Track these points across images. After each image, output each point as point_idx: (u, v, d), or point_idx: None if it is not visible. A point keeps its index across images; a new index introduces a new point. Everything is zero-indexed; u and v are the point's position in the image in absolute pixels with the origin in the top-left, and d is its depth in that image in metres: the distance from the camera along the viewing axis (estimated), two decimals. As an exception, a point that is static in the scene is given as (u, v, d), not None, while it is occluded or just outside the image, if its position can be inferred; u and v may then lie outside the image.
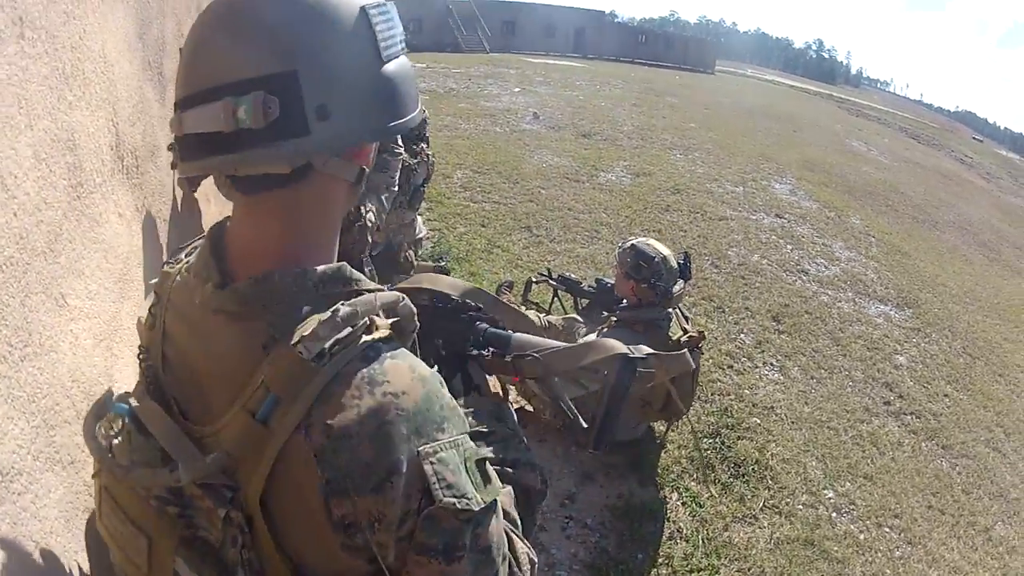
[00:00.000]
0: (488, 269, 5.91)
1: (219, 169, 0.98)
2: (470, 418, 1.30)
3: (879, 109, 31.27)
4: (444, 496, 0.96)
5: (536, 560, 1.23)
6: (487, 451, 1.11)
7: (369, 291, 1.06)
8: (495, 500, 1.06)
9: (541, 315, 4.48)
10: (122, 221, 1.69)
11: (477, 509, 0.99)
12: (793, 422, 5.07)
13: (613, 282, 4.32)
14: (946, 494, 4.99)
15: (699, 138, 12.85)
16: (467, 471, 1.00)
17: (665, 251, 3.96)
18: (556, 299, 5.27)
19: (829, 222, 9.58)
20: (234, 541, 1.02)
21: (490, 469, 1.07)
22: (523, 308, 4.80)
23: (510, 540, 1.17)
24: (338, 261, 1.10)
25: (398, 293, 1.07)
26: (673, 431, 4.54)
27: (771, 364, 5.75)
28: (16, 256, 1.11)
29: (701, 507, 4.07)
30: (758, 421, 4.93)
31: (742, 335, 6.02)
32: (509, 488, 1.28)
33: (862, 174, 13.57)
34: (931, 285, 8.67)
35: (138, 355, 1.16)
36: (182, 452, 1.02)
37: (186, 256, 1.16)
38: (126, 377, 1.57)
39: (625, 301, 4.09)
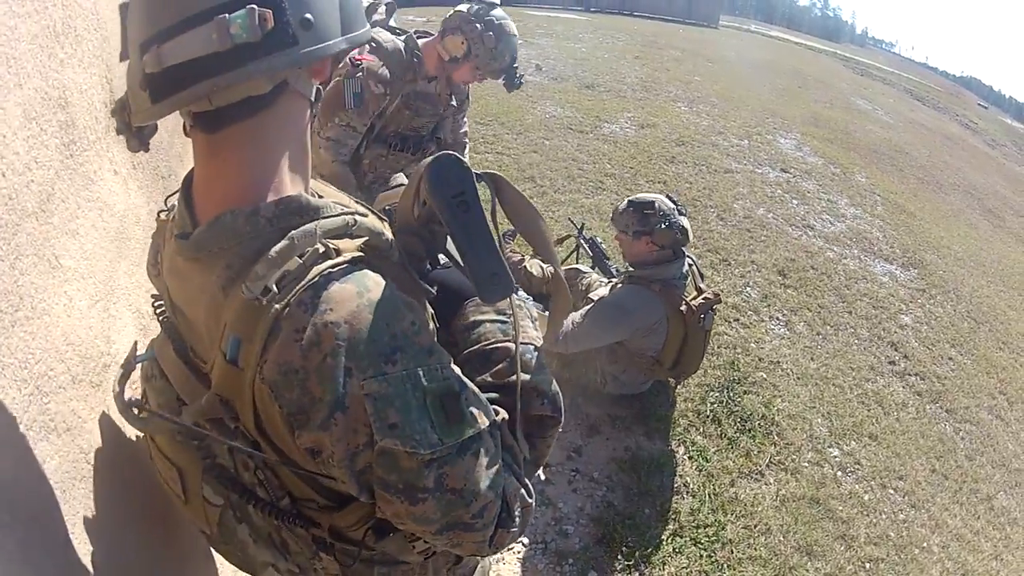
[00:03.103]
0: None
1: (198, 98, 0.95)
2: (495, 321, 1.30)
3: (884, 69, 30.94)
4: (384, 437, 0.95)
5: (532, 502, 1.19)
6: (459, 382, 1.06)
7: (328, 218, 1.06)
8: (474, 437, 1.04)
9: (543, 264, 4.34)
10: (118, 179, 1.67)
11: (426, 452, 0.97)
12: (799, 378, 5.00)
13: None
14: (949, 459, 4.96)
15: (703, 91, 12.65)
16: (426, 408, 0.98)
17: (662, 197, 3.79)
18: (576, 256, 5.14)
19: (834, 178, 9.47)
20: (246, 466, 1.16)
21: (467, 403, 1.04)
22: (527, 256, 4.67)
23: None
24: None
25: (349, 216, 1.07)
26: (679, 384, 4.47)
27: (777, 319, 5.67)
28: (5, 218, 1.10)
29: (708, 461, 4.02)
30: (764, 376, 4.85)
31: (748, 288, 5.93)
32: (504, 415, 1.19)
33: (867, 132, 13.44)
34: (936, 247, 8.59)
35: (153, 304, 1.26)
36: (188, 394, 1.14)
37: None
38: (124, 337, 1.57)
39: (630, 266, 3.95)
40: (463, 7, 3.22)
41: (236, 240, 1.01)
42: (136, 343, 1.31)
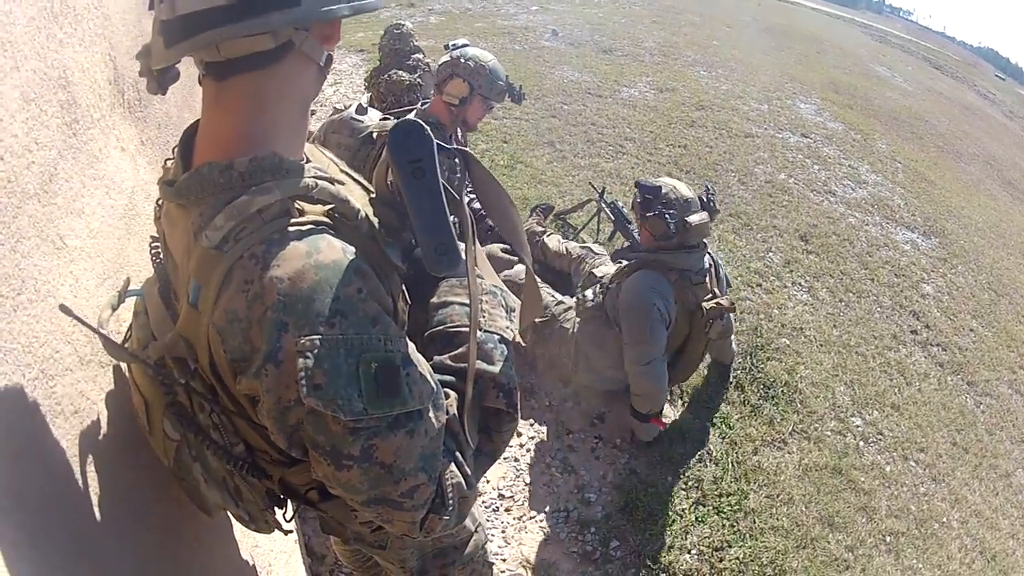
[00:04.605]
0: (511, 185, 5.68)
1: (204, 46, 0.98)
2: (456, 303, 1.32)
3: (902, 37, 30.43)
4: (308, 396, 0.96)
5: (469, 494, 1.19)
6: (404, 358, 1.05)
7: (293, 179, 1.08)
8: (410, 415, 1.05)
9: (561, 240, 4.21)
10: (125, 155, 1.66)
11: (347, 419, 0.98)
12: (822, 345, 4.92)
13: None
14: (970, 432, 4.90)
15: (722, 55, 12.43)
16: (358, 375, 0.98)
17: (678, 185, 3.52)
18: (597, 221, 5.04)
19: (855, 144, 9.30)
20: (201, 407, 1.19)
21: (408, 380, 1.04)
22: (549, 229, 4.56)
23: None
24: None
25: (312, 181, 1.07)
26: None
27: (799, 284, 5.57)
28: (4, 201, 1.08)
29: (731, 429, 3.96)
30: (787, 342, 4.77)
31: (770, 253, 5.82)
32: (454, 399, 1.21)
33: (887, 99, 13.21)
34: (957, 216, 8.44)
35: (150, 244, 1.32)
36: (160, 332, 1.18)
37: None
38: (135, 314, 1.58)
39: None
40: (444, 58, 3.51)
41: (211, 191, 1.04)
42: (129, 279, 1.35)
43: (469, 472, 1.19)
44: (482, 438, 1.29)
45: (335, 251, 1.01)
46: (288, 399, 0.99)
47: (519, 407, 1.30)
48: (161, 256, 1.27)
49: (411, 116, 1.27)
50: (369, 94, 5.15)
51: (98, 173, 1.47)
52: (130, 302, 1.35)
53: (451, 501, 1.14)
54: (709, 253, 3.67)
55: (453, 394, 1.21)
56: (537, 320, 3.84)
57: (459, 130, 3.74)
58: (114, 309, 1.25)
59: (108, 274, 1.42)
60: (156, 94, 1.09)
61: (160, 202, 1.23)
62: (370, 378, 0.99)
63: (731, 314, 3.68)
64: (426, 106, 3.63)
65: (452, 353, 1.26)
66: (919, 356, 5.37)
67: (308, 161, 1.18)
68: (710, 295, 3.51)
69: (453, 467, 1.15)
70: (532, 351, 3.93)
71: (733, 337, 4.20)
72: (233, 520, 1.53)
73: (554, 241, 4.05)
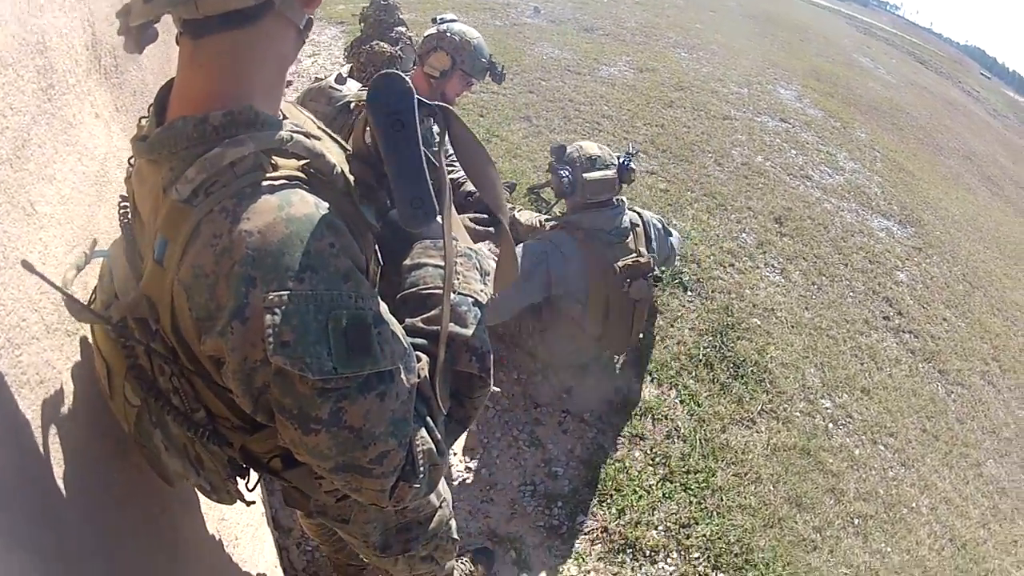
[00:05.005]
0: None
1: (181, 1, 0.98)
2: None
3: (887, 30, 30.72)
4: (275, 354, 0.95)
5: (440, 461, 1.18)
6: (376, 316, 1.05)
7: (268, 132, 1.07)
8: (381, 376, 1.04)
9: (534, 214, 4.22)
10: (99, 122, 1.66)
11: (316, 378, 0.97)
12: (793, 326, 5.01)
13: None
14: (940, 420, 5.03)
15: (704, 38, 12.50)
16: (327, 333, 0.97)
17: (585, 145, 3.58)
18: None
19: (834, 132, 9.44)
20: (162, 370, 1.18)
21: (380, 339, 1.03)
22: (519, 204, 4.57)
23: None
24: None
25: (288, 134, 1.07)
26: (672, 327, 4.46)
27: (772, 266, 5.66)
28: None
29: (699, 406, 4.03)
30: (758, 322, 4.84)
31: (744, 234, 5.90)
32: (425, 362, 1.20)
33: (868, 89, 13.39)
34: (934, 207, 8.61)
35: (119, 204, 1.27)
36: (124, 292, 1.17)
37: None
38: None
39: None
40: (430, 30, 3.55)
41: (184, 144, 1.03)
42: (96, 240, 1.36)
43: (440, 438, 1.18)
44: (453, 404, 1.28)
45: (307, 205, 1.01)
46: (255, 359, 0.98)
47: (492, 372, 1.30)
48: (129, 216, 1.25)
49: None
50: (349, 65, 5.12)
51: (71, 139, 1.47)
52: (97, 264, 1.35)
53: (422, 468, 1.13)
54: (638, 212, 3.70)
55: (425, 357, 1.20)
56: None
57: None
58: (79, 270, 1.25)
59: (78, 241, 1.42)
60: (133, 53, 1.08)
61: (131, 161, 1.22)
62: (340, 336, 0.98)
63: (656, 280, 3.64)
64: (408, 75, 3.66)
65: (425, 315, 1.25)
66: (891, 342, 5.48)
67: (285, 119, 1.17)
68: (633, 255, 3.50)
69: (424, 433, 1.14)
70: (496, 328, 3.94)
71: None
72: (198, 492, 1.52)
73: (526, 215, 4.05)
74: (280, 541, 2.89)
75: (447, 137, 1.27)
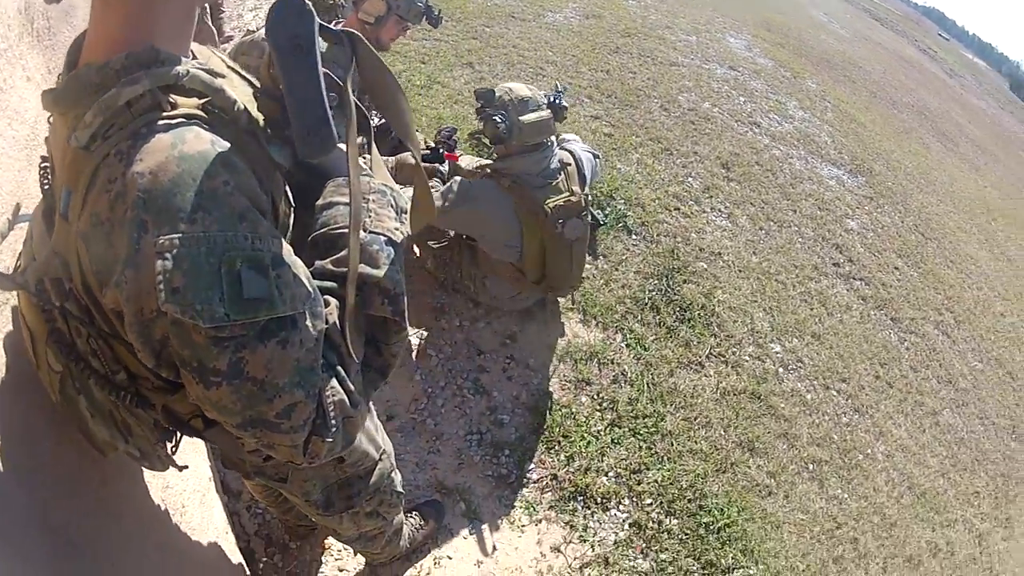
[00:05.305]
0: (428, 105, 5.72)
1: None
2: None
3: (843, -13, 31.44)
4: (165, 302, 0.94)
5: (354, 413, 1.18)
6: (275, 257, 1.04)
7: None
8: (281, 322, 1.03)
9: (475, 159, 4.24)
10: (31, 85, 1.65)
11: (208, 326, 0.96)
12: (740, 271, 5.18)
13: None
14: (894, 367, 5.26)
15: (653, -14, 12.63)
16: (220, 276, 0.97)
17: (514, 87, 3.56)
18: None
19: (784, 81, 9.71)
20: (78, 332, 1.17)
21: (279, 282, 1.03)
22: (460, 150, 4.59)
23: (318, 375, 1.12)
24: None
25: (184, 69, 1.06)
26: (616, 270, 4.56)
27: (719, 210, 5.82)
28: None
29: (646, 350, 4.14)
30: (704, 266, 4.99)
31: (690, 179, 6.04)
32: (334, 307, 1.18)
33: (820, 42, 13.74)
34: (886, 159, 8.94)
35: (40, 165, 1.23)
36: (40, 253, 1.16)
37: None
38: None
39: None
40: None
41: (88, 92, 1.02)
42: (19, 204, 1.37)
43: (353, 388, 1.17)
44: (370, 352, 1.28)
45: (202, 142, 1.00)
46: (151, 309, 0.97)
47: (407, 315, 1.29)
48: (49, 176, 1.23)
49: (354, 32, 1.25)
50: None
51: (1, 103, 1.46)
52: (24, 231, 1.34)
53: (334, 421, 1.12)
54: (570, 151, 3.73)
55: (334, 302, 1.18)
56: (435, 244, 3.89)
57: None
58: (2, 237, 1.26)
59: (4, 208, 1.40)
60: (50, 4, 1.12)
61: (50, 119, 1.20)
62: (234, 280, 0.97)
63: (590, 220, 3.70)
64: (339, 24, 3.64)
65: (334, 257, 1.23)
66: (841, 288, 5.70)
67: (195, 58, 1.16)
68: (564, 195, 3.53)
69: (335, 383, 1.13)
70: (436, 274, 3.97)
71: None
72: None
73: (467, 160, 4.06)
74: (230, 506, 2.88)
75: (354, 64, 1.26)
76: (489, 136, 3.48)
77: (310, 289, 1.09)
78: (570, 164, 3.62)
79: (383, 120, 3.89)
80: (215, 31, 4.16)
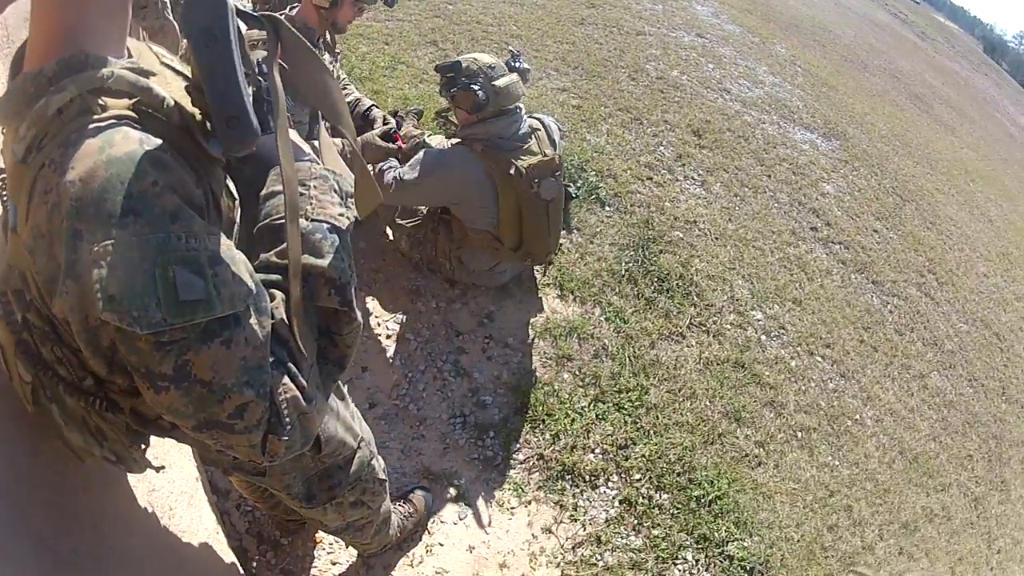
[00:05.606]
0: (392, 86, 5.67)
1: None
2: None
3: (807, -49, 31.72)
4: (103, 309, 0.95)
5: (308, 409, 1.18)
6: (211, 256, 1.04)
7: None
8: (224, 322, 1.03)
9: (445, 139, 4.20)
10: None
11: (146, 332, 0.96)
12: (717, 238, 5.18)
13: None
14: (878, 331, 5.29)
15: (615, -44, 12.65)
16: (155, 280, 0.97)
17: (477, 56, 3.58)
18: None
19: (753, 47, 9.77)
20: (43, 341, 1.17)
21: (216, 281, 1.02)
22: (428, 130, 4.57)
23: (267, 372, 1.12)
24: None
25: (109, 71, 1.05)
26: (591, 243, 4.55)
27: (692, 178, 5.83)
28: None
29: (626, 323, 4.13)
30: (680, 235, 4.98)
31: (661, 147, 6.04)
32: (281, 300, 1.19)
33: (789, 7, 13.85)
34: (859, 122, 9.02)
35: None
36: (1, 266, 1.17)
37: None
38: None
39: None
40: None
41: (26, 102, 1.02)
42: None
43: (305, 384, 1.17)
44: (325, 343, 1.28)
45: (130, 143, 0.99)
46: (95, 317, 0.97)
47: (355, 304, 1.28)
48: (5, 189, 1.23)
49: (276, 17, 1.24)
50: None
51: None
52: None
53: (288, 419, 1.13)
54: (538, 118, 3.74)
55: (280, 296, 1.19)
56: (408, 223, 3.86)
57: (328, 33, 3.79)
58: None
59: None
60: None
61: (3, 129, 1.20)
62: (168, 283, 0.97)
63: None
64: (295, 9, 3.68)
65: (277, 248, 1.23)
66: (820, 253, 5.73)
67: (130, 57, 1.16)
68: (538, 156, 3.54)
69: (286, 380, 1.14)
70: (411, 255, 3.95)
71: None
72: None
73: (436, 140, 4.04)
74: (219, 505, 2.86)
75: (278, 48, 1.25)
76: (468, 106, 3.46)
77: (251, 286, 1.09)
78: (539, 129, 3.64)
79: (374, 105, 3.88)
80: (177, 27, 4.10)
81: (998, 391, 5.84)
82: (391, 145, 3.64)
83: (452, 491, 3.17)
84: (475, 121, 3.51)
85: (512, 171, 3.40)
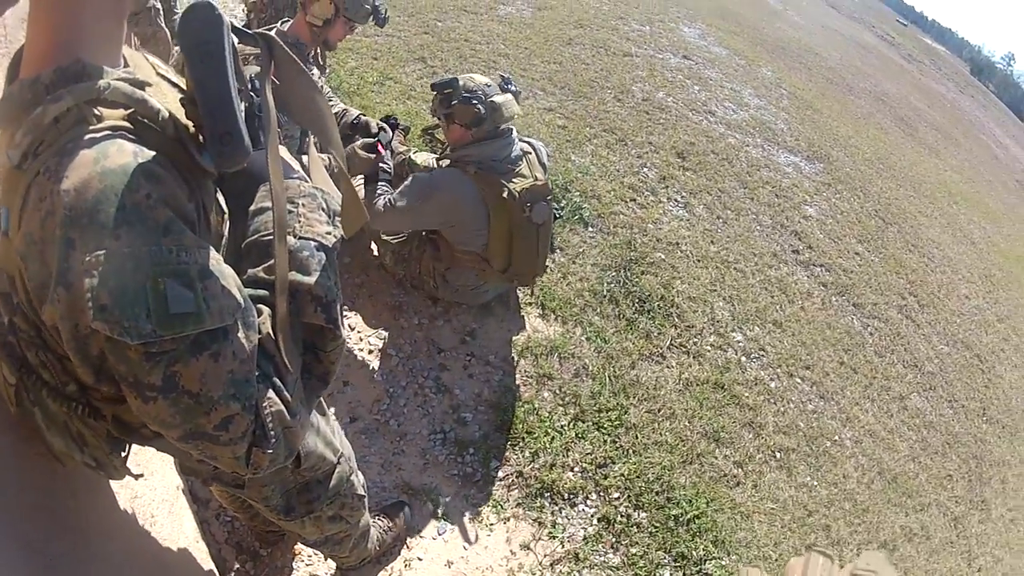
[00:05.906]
0: (380, 102, 5.76)
1: None
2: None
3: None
4: (94, 318, 0.97)
5: (293, 423, 1.21)
6: (201, 269, 1.05)
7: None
8: (214, 334, 1.06)
9: (430, 155, 4.26)
10: None
11: (135, 343, 0.98)
12: (699, 260, 5.27)
13: None
14: (858, 353, 5.38)
15: (604, -24, 12.78)
16: (146, 292, 0.99)
17: (472, 75, 3.66)
18: None
19: (739, 69, 9.93)
20: (28, 345, 1.18)
21: (206, 295, 1.04)
22: (414, 146, 4.61)
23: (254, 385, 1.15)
24: None
25: (106, 82, 1.07)
26: (574, 263, 4.62)
27: (675, 200, 5.92)
28: None
29: (606, 343, 4.20)
30: (663, 256, 5.07)
31: (645, 169, 6.15)
32: (267, 316, 1.22)
33: (776, 30, 14.04)
34: (843, 145, 9.17)
35: None
36: None
37: None
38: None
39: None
40: None
41: (23, 108, 1.04)
42: None
43: (290, 398, 1.20)
44: (310, 359, 1.31)
45: (124, 155, 1.01)
46: (85, 326, 1.00)
47: (340, 322, 1.30)
48: None
49: (270, 35, 1.29)
50: (245, 8, 5.07)
51: None
52: None
53: (272, 432, 1.16)
54: (528, 141, 3.83)
55: (267, 311, 1.21)
56: (394, 240, 3.91)
57: (318, 49, 3.94)
58: None
59: None
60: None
61: None
62: (159, 295, 0.99)
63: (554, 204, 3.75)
64: (287, 24, 3.78)
65: (265, 264, 1.25)
66: (801, 275, 5.84)
67: (126, 67, 1.18)
68: (530, 179, 3.60)
69: (272, 394, 1.16)
70: (395, 271, 4.00)
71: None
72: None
73: (422, 157, 4.09)
74: (199, 514, 2.86)
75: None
76: (467, 120, 3.52)
77: (240, 300, 1.11)
78: (530, 152, 3.72)
79: (361, 114, 3.92)
80: (169, 34, 4.16)
81: (978, 411, 5.94)
82: (371, 155, 3.70)
83: (431, 506, 3.20)
84: (470, 139, 3.56)
85: (505, 194, 3.46)
